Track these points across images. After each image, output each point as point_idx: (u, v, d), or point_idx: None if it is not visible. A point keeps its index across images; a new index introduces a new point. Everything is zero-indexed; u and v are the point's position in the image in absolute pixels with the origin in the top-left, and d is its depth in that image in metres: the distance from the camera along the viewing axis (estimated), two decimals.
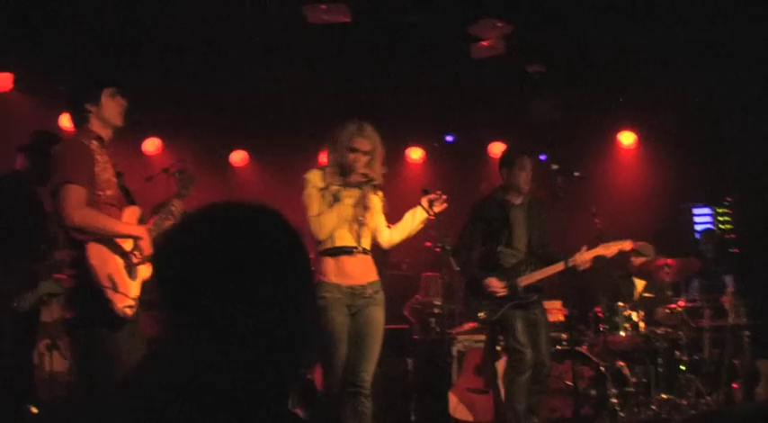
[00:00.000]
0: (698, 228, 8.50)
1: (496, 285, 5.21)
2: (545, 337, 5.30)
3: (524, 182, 5.32)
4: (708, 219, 8.56)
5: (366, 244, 4.25)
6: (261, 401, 1.24)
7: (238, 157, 9.34)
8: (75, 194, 3.44)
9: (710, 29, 6.77)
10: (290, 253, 1.37)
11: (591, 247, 5.32)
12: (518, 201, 5.37)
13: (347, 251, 4.16)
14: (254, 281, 1.28)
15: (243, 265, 1.29)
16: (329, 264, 4.15)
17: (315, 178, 4.18)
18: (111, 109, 3.67)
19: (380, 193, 4.34)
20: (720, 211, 8.46)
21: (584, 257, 5.23)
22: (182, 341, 1.26)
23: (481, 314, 5.26)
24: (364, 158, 4.16)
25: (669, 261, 6.53)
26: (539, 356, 5.16)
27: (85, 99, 3.67)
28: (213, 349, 1.23)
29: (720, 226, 8.40)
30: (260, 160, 9.37)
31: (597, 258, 5.33)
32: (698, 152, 8.22)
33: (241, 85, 7.93)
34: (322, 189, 4.15)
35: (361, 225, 4.20)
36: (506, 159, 5.44)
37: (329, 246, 4.16)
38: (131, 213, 3.74)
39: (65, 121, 7.84)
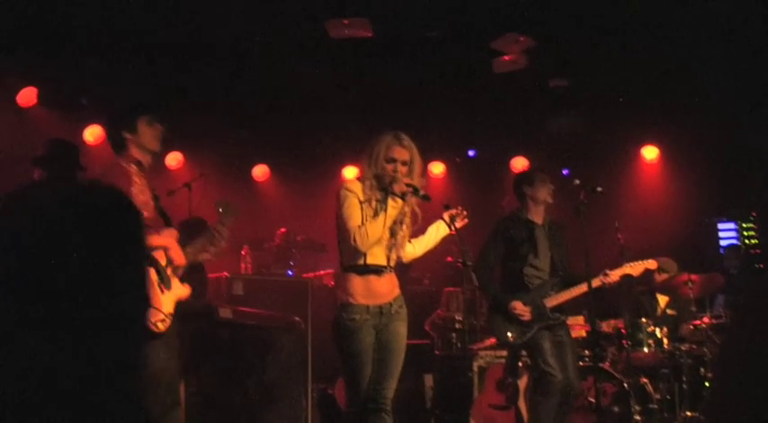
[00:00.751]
0: (723, 243, 8.46)
1: (522, 310, 5.18)
2: (572, 358, 5.29)
3: (548, 194, 5.34)
4: (733, 234, 8.53)
5: (393, 262, 4.20)
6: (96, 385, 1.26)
7: (260, 171, 9.43)
8: None
9: (736, 40, 6.78)
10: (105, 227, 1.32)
11: (613, 267, 5.32)
12: (540, 221, 5.39)
13: (376, 270, 4.09)
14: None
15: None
16: (357, 283, 4.07)
17: (356, 189, 4.07)
18: (147, 136, 3.81)
19: (417, 214, 4.24)
20: (746, 225, 8.43)
21: (610, 279, 5.24)
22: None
23: (510, 336, 5.20)
24: (403, 168, 4.07)
25: (693, 277, 6.51)
26: (567, 378, 5.12)
27: (122, 127, 3.82)
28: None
29: (746, 241, 8.37)
30: (281, 175, 9.46)
31: (623, 277, 5.33)
32: (722, 166, 8.20)
33: (263, 99, 8.03)
34: (362, 202, 4.05)
35: (397, 238, 4.13)
36: (524, 178, 5.49)
37: (359, 262, 4.07)
38: (168, 235, 3.83)
39: (88, 135, 8.01)
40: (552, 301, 5.26)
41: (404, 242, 4.25)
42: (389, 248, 4.14)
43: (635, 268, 5.39)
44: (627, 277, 5.35)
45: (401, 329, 4.17)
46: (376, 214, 4.03)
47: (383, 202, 4.05)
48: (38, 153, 5.10)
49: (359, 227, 3.97)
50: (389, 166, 4.05)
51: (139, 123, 3.80)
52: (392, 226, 4.11)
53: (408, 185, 4.03)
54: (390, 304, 4.12)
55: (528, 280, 5.30)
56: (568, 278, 5.35)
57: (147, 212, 3.74)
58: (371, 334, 4.07)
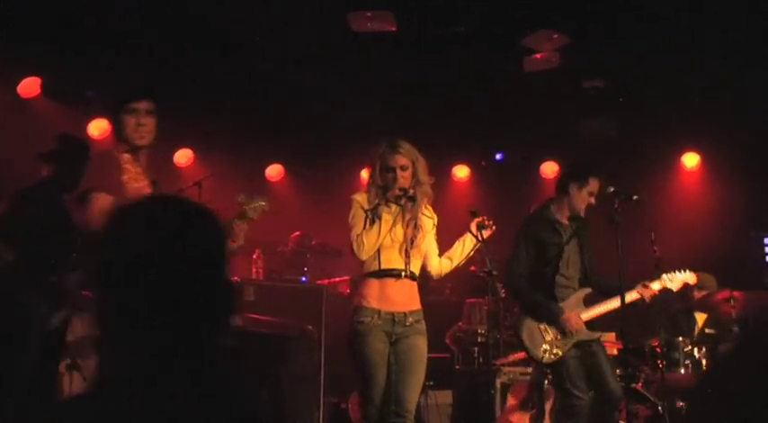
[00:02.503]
0: None
1: (578, 323, 5.09)
2: (608, 366, 5.20)
3: (585, 206, 5.28)
4: None
5: (415, 268, 4.30)
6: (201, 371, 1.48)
7: (274, 170, 9.47)
8: (98, 202, 3.62)
9: None
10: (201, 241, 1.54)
11: (650, 279, 5.29)
12: (566, 221, 5.34)
13: (394, 274, 4.24)
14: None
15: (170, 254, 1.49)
16: (372, 286, 4.24)
17: (362, 199, 4.30)
18: (128, 128, 3.82)
19: (434, 216, 4.41)
20: None
21: (648, 292, 5.21)
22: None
23: (544, 353, 5.10)
24: (404, 173, 4.25)
25: (735, 293, 6.44)
26: (608, 387, 5.06)
27: (111, 116, 3.94)
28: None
29: None
30: (296, 175, 9.49)
31: (661, 291, 5.31)
32: None
33: (279, 95, 8.07)
34: (367, 211, 4.26)
35: (412, 246, 4.26)
36: (578, 175, 5.35)
37: (375, 268, 4.24)
38: None
39: (93, 128, 8.07)
40: (588, 314, 5.22)
41: (423, 246, 4.33)
42: (405, 253, 4.24)
43: (674, 282, 5.35)
44: (664, 291, 5.31)
45: (419, 343, 4.25)
46: (374, 219, 4.23)
47: (380, 206, 4.26)
48: (47, 149, 5.18)
49: (357, 236, 4.21)
50: (390, 176, 4.26)
51: (122, 114, 3.83)
52: (404, 229, 4.26)
53: (400, 190, 4.22)
54: (405, 315, 4.21)
55: (558, 289, 5.22)
56: (602, 286, 5.31)
57: None
58: (383, 341, 4.17)
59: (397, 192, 4.23)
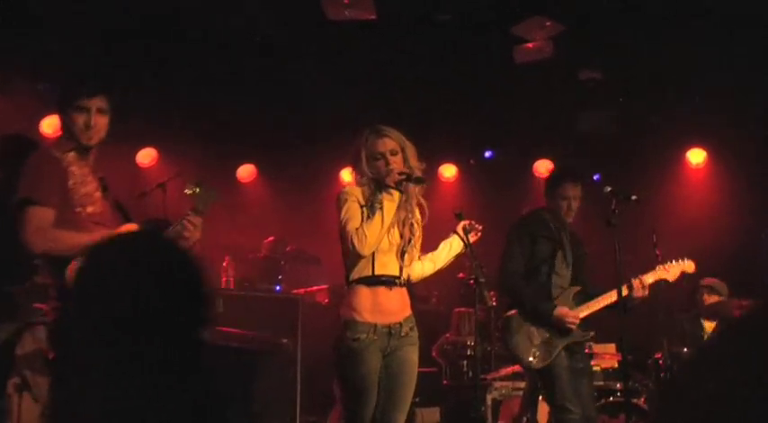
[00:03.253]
0: None
1: (573, 317, 5.16)
2: (589, 388, 5.30)
3: (566, 211, 5.40)
4: None
5: (407, 273, 4.25)
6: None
7: (245, 171, 9.47)
8: (36, 217, 3.50)
9: None
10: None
11: (643, 272, 5.34)
12: (565, 225, 5.46)
13: (387, 282, 4.14)
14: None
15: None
16: (364, 297, 4.11)
17: (356, 192, 4.17)
18: (74, 125, 3.69)
19: (426, 214, 4.33)
20: None
21: (639, 286, 5.26)
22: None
23: (534, 358, 5.16)
24: (395, 158, 4.15)
25: (744, 303, 6.49)
26: (584, 413, 5.12)
27: (58, 109, 3.76)
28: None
29: None
30: (270, 175, 9.49)
31: (657, 284, 5.35)
32: None
33: (249, 87, 8.06)
34: (363, 206, 4.13)
35: (408, 246, 4.21)
36: (570, 175, 5.52)
37: (367, 273, 4.12)
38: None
39: (46, 126, 8.04)
40: (582, 311, 5.27)
41: (417, 247, 4.30)
42: (401, 256, 4.20)
43: (670, 271, 5.39)
44: (661, 283, 5.36)
45: (412, 356, 4.21)
46: (375, 210, 4.09)
47: (379, 196, 4.12)
48: None
49: (356, 229, 4.05)
50: (379, 163, 4.15)
51: (69, 110, 3.70)
52: (401, 229, 4.19)
53: (401, 174, 4.12)
54: (401, 324, 4.15)
55: (554, 288, 5.32)
56: (588, 292, 5.37)
57: (93, 206, 3.66)
58: (378, 357, 4.09)
59: (396, 176, 4.11)
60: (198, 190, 3.80)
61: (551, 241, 5.34)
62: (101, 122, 3.74)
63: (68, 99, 3.72)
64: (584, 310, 5.27)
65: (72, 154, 3.71)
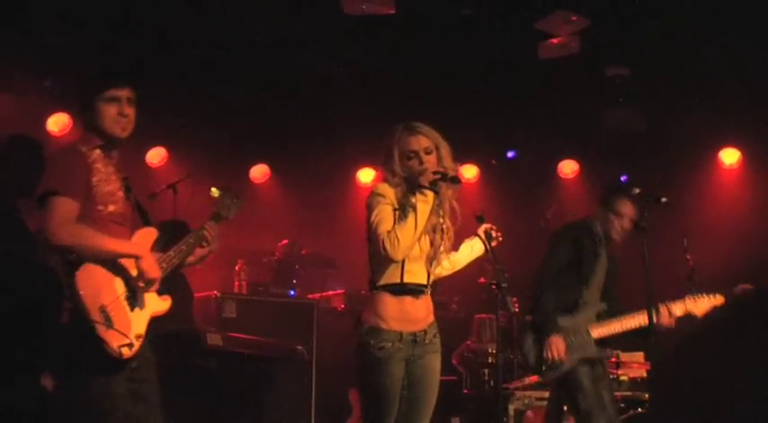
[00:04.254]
0: None
1: (558, 351, 5.19)
2: (610, 394, 5.34)
3: (620, 232, 5.44)
4: None
5: (432, 280, 4.22)
6: None
7: (259, 171, 9.51)
8: (62, 208, 3.55)
9: None
10: None
11: (679, 295, 5.34)
12: (611, 242, 5.50)
13: (414, 291, 4.11)
14: None
15: None
16: (390, 305, 4.08)
17: (389, 194, 4.09)
18: (106, 117, 3.75)
19: (450, 222, 4.24)
20: None
21: (667, 320, 5.27)
22: None
23: (545, 365, 5.24)
24: (429, 157, 4.09)
25: None
26: (608, 419, 5.17)
27: (82, 104, 3.80)
28: None
29: None
30: (284, 176, 9.52)
31: (685, 316, 5.36)
32: None
33: (263, 86, 8.09)
34: (396, 209, 4.06)
35: (438, 249, 4.17)
36: (605, 197, 5.55)
37: (395, 280, 4.08)
38: (144, 235, 3.81)
39: (52, 124, 8.11)
40: (598, 331, 5.31)
41: (447, 253, 4.27)
42: (430, 263, 4.18)
43: (698, 306, 5.38)
44: (689, 317, 5.36)
45: (435, 363, 4.20)
46: (408, 211, 4.02)
47: (411, 197, 4.05)
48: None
49: (388, 232, 3.98)
50: (413, 162, 4.09)
51: (97, 102, 3.75)
52: (431, 235, 4.15)
53: (435, 173, 4.04)
54: (425, 332, 4.16)
55: (582, 303, 5.36)
56: (616, 311, 5.40)
57: (115, 205, 3.72)
58: (402, 366, 4.08)
59: (431, 175, 4.03)
60: (220, 194, 3.94)
61: (592, 254, 5.38)
62: (132, 113, 3.81)
63: (96, 91, 3.76)
64: (602, 329, 5.31)
65: (97, 151, 3.75)
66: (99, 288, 3.56)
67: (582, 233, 5.44)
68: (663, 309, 5.27)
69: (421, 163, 4.07)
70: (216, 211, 3.95)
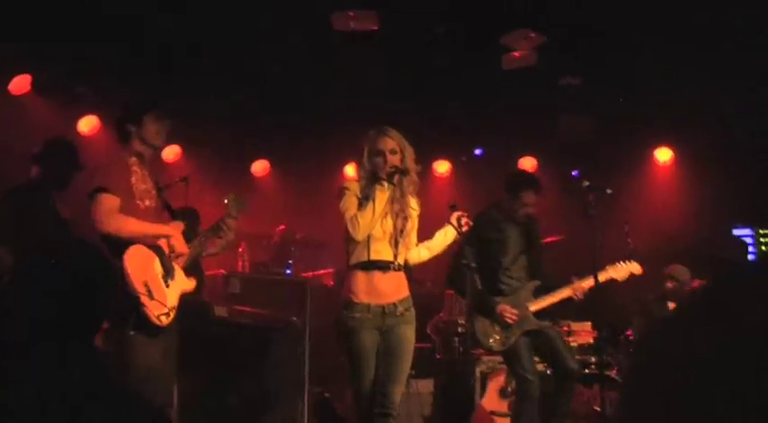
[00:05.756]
0: None
1: (511, 313, 5.26)
2: (562, 343, 5.47)
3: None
4: (749, 240, 8.52)
5: (401, 259, 4.26)
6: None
7: (260, 166, 9.46)
8: (106, 202, 3.77)
9: (755, 40, 6.77)
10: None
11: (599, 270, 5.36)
12: (516, 220, 5.46)
13: (381, 266, 4.17)
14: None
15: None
16: (360, 280, 4.16)
17: (354, 187, 4.25)
18: (151, 131, 4.01)
19: (417, 208, 4.34)
20: (762, 232, 8.42)
21: (583, 285, 5.35)
22: None
23: (493, 342, 5.32)
24: (393, 157, 4.19)
25: (699, 284, 6.52)
26: (564, 364, 5.27)
27: (128, 119, 4.03)
28: None
29: (762, 248, 8.35)
30: (282, 170, 9.48)
31: (607, 281, 5.39)
32: (739, 169, 8.18)
33: (264, 91, 8.05)
34: (360, 199, 4.19)
35: (401, 236, 4.22)
36: (529, 179, 5.59)
37: (363, 258, 4.16)
38: (174, 227, 4.02)
39: (83, 125, 8.03)
40: (535, 304, 5.36)
41: (410, 236, 4.29)
42: (394, 244, 4.21)
43: (619, 272, 5.43)
44: (611, 282, 5.42)
45: (408, 333, 4.22)
46: (368, 201, 4.15)
47: (373, 188, 4.18)
48: (35, 150, 5.18)
49: (351, 217, 4.12)
50: (379, 159, 4.19)
51: (146, 118, 4.00)
52: (394, 220, 4.21)
53: (392, 167, 4.16)
54: (395, 305, 4.17)
55: (503, 284, 5.40)
56: (547, 281, 5.47)
57: (150, 200, 3.97)
58: (373, 334, 4.12)
59: (388, 169, 4.16)
60: (231, 199, 4.21)
61: (498, 242, 5.40)
62: (167, 130, 4.14)
63: (146, 110, 4.04)
64: (538, 304, 5.37)
65: (134, 158, 4.00)
66: (142, 266, 3.75)
67: (479, 227, 5.20)
68: (580, 283, 5.34)
69: (385, 161, 4.17)
70: (227, 212, 4.19)
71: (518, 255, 5.45)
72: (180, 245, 3.94)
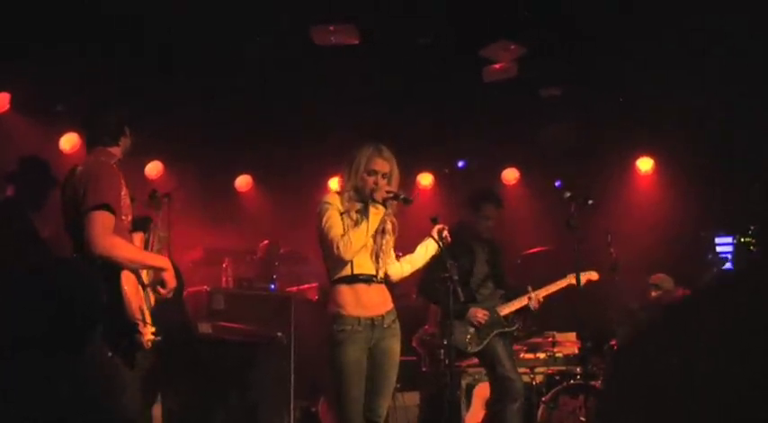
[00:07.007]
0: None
1: (483, 314, 5.58)
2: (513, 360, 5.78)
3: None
4: (730, 248, 8.56)
5: (382, 273, 4.27)
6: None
7: (243, 181, 9.44)
8: (105, 221, 3.45)
9: (735, 49, 6.84)
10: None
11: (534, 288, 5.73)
12: (481, 238, 5.80)
13: (365, 279, 4.17)
14: None
15: None
16: (346, 293, 4.15)
17: (335, 201, 4.19)
18: (131, 142, 3.80)
19: (394, 223, 4.36)
20: (744, 239, 8.46)
21: (539, 295, 5.72)
22: None
23: (468, 343, 5.60)
24: (383, 181, 4.19)
25: (689, 293, 6.54)
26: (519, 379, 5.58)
27: (128, 120, 3.79)
28: None
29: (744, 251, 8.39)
30: (265, 185, 9.47)
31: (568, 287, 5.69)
32: (719, 178, 8.25)
33: (246, 106, 8.05)
34: (342, 213, 4.15)
35: (382, 247, 4.24)
36: (489, 196, 5.87)
37: (347, 273, 4.15)
38: (138, 240, 3.81)
39: (65, 143, 7.99)
40: (504, 309, 5.69)
41: (389, 251, 4.31)
42: (376, 258, 4.22)
43: (572, 280, 5.67)
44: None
45: (394, 346, 4.22)
46: (357, 224, 4.13)
47: (364, 211, 4.16)
48: (10, 169, 5.13)
49: (341, 236, 4.07)
50: (370, 179, 4.19)
51: (129, 129, 3.78)
52: (374, 235, 4.22)
53: (389, 192, 4.18)
54: (383, 317, 4.17)
55: (476, 293, 5.74)
56: (509, 293, 5.81)
57: (131, 215, 3.72)
58: (362, 348, 4.11)
59: (385, 193, 4.15)
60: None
61: (467, 256, 5.67)
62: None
63: (129, 121, 3.79)
64: (505, 309, 5.73)
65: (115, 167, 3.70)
66: (135, 291, 3.54)
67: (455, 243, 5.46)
68: (536, 293, 5.74)
69: (376, 182, 4.17)
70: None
71: (486, 268, 5.76)
72: (171, 279, 3.73)
